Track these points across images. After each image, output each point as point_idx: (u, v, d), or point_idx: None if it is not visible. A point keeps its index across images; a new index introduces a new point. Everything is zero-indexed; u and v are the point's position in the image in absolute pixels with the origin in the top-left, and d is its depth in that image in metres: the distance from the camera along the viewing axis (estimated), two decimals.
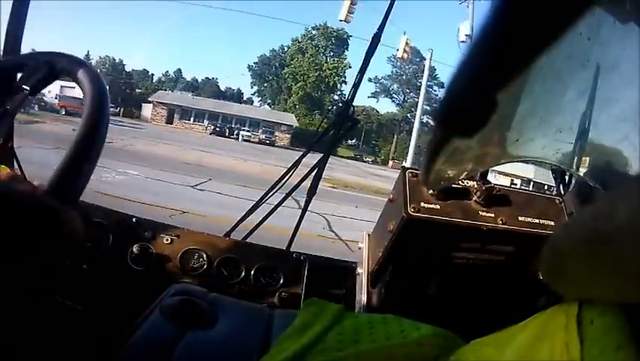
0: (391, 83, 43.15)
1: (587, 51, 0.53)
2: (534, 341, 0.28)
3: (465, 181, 0.78)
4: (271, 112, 34.09)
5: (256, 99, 41.26)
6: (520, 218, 0.78)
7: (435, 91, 40.85)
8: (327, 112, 36.46)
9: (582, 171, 0.67)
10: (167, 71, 44.61)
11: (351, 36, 35.27)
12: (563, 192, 0.92)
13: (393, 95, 41.87)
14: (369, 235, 0.92)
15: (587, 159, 0.65)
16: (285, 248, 1.16)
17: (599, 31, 0.50)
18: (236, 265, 1.01)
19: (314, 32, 36.10)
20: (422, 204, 0.72)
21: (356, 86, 1.31)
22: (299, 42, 36.63)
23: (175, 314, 0.69)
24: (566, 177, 0.93)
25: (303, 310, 0.54)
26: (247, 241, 1.12)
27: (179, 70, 44.94)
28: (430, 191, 0.74)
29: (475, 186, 0.77)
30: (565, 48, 0.51)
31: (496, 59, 0.17)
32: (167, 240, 1.01)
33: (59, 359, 0.79)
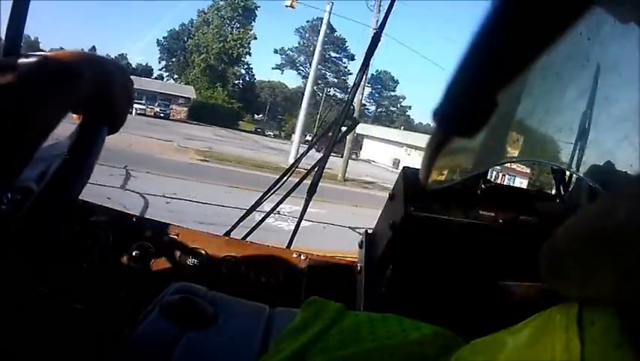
0: (298, 54, 41.39)
1: (587, 51, 0.53)
2: (534, 341, 0.28)
3: (465, 180, 0.78)
4: (170, 85, 32.50)
5: (165, 74, 39.85)
6: (519, 217, 0.78)
7: (344, 63, 39.41)
8: (233, 86, 35.63)
9: (582, 171, 0.67)
10: (82, 49, 43.29)
11: (259, 7, 34.52)
12: (562, 192, 0.92)
13: (300, 67, 40.23)
14: (368, 233, 0.92)
15: (587, 159, 0.65)
16: (285, 247, 1.16)
17: (599, 31, 0.50)
18: (236, 263, 1.02)
19: (221, 3, 35.00)
20: (422, 203, 0.73)
21: (357, 85, 1.31)
22: (205, 13, 35.52)
23: (175, 313, 0.69)
24: (566, 177, 0.93)
25: (303, 308, 0.54)
26: (247, 240, 1.12)
27: (94, 47, 42.02)
28: (430, 190, 0.74)
29: (475, 185, 0.78)
30: (565, 48, 0.51)
31: (496, 59, 0.17)
32: (167, 238, 1.01)
33: (59, 359, 0.79)
